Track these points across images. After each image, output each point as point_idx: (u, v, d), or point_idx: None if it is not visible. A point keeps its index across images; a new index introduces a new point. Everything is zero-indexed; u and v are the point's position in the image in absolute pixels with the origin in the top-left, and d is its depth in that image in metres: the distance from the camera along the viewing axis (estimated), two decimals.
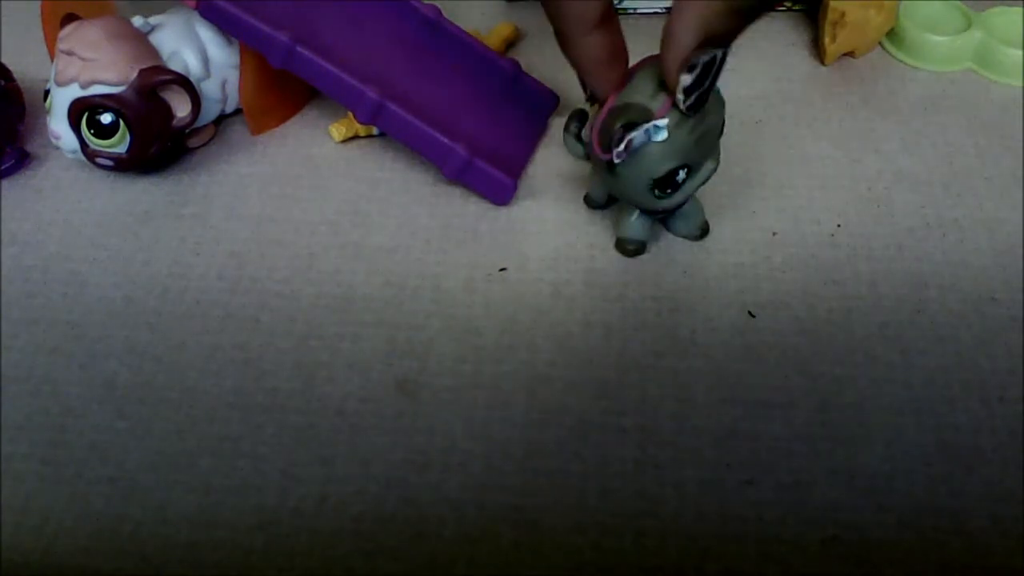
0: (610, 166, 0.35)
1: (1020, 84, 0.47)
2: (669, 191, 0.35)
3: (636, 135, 0.33)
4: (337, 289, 0.39)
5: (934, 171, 0.43)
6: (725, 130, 0.36)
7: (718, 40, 0.31)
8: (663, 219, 0.40)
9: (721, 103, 0.35)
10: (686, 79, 0.31)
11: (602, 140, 0.34)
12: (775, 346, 0.36)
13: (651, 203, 0.36)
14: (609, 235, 0.40)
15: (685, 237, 0.40)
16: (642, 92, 0.33)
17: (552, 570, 0.31)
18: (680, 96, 0.32)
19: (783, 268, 0.39)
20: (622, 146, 0.33)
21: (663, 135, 0.33)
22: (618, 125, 0.33)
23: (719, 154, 0.36)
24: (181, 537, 0.31)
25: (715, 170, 0.36)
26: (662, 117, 0.33)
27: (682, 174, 0.35)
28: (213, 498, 0.32)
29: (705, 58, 0.31)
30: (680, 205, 0.38)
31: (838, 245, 0.40)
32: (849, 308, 0.38)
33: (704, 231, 0.40)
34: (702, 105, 0.33)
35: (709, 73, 0.31)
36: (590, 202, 0.41)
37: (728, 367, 0.36)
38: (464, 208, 0.42)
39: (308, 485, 0.33)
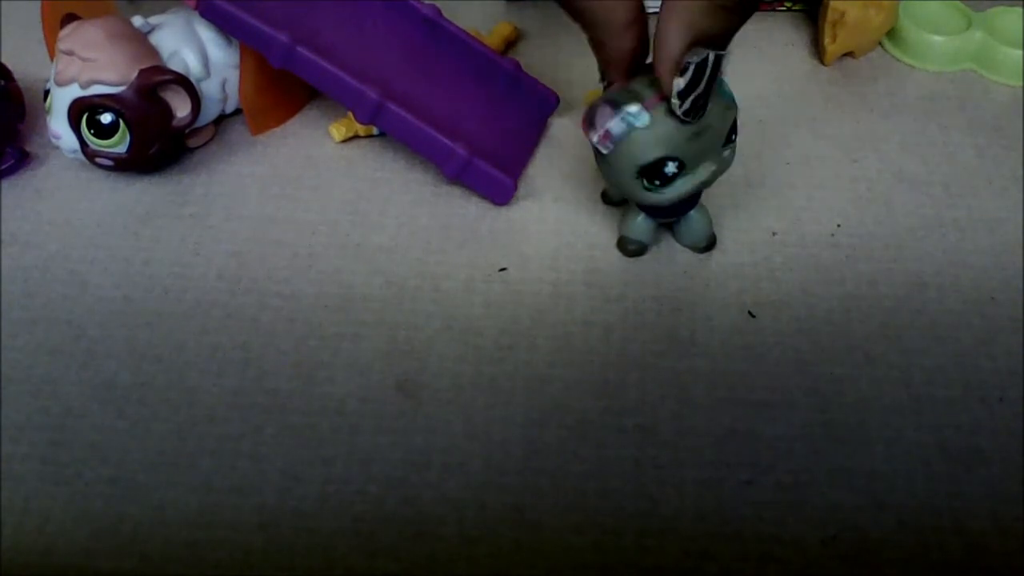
0: (597, 150, 0.34)
1: (1020, 84, 0.47)
2: (658, 183, 0.34)
3: (614, 124, 0.33)
4: (337, 289, 0.39)
5: (934, 171, 0.43)
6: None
7: (709, 41, 0.30)
8: (669, 226, 0.40)
9: (725, 106, 0.34)
10: (679, 82, 0.31)
11: (587, 119, 0.34)
12: (775, 346, 0.36)
13: (641, 195, 0.35)
14: (609, 235, 0.40)
15: (690, 248, 0.40)
16: (642, 81, 0.33)
17: (552, 570, 0.31)
18: (675, 101, 0.31)
19: (783, 268, 0.39)
20: (601, 131, 0.33)
21: (644, 119, 0.32)
22: (600, 101, 0.33)
23: (727, 157, 0.35)
24: (181, 537, 0.31)
25: (718, 172, 0.35)
26: (652, 107, 0.32)
27: (671, 167, 0.34)
28: (213, 498, 0.32)
29: (696, 59, 0.30)
30: (679, 208, 0.37)
31: (838, 245, 0.40)
32: (849, 308, 0.38)
33: (710, 244, 0.39)
34: (700, 110, 0.32)
35: (703, 75, 0.30)
36: (607, 199, 0.41)
37: (728, 367, 0.36)
38: (464, 208, 0.42)
39: (308, 485, 0.33)
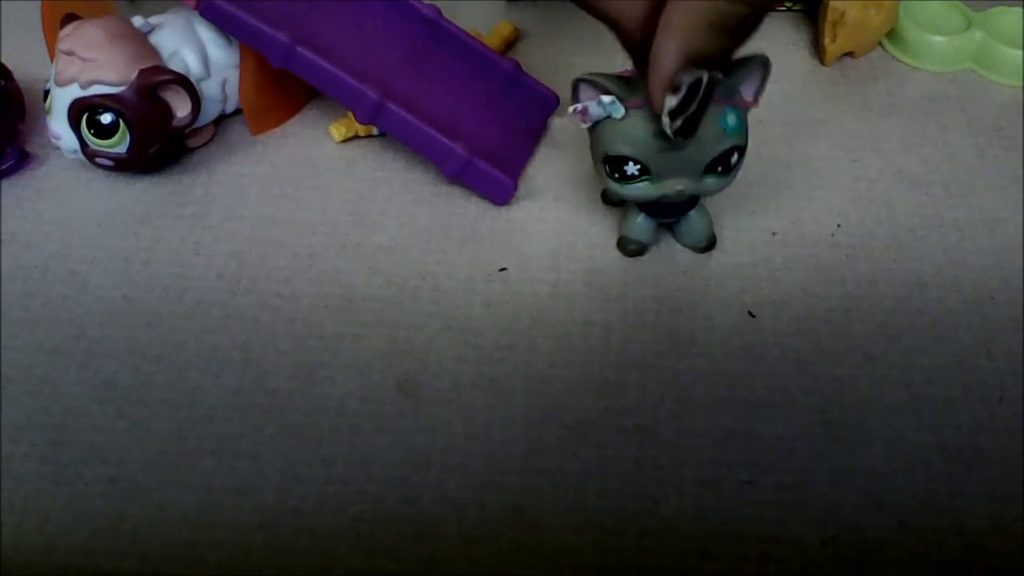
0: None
1: (1020, 84, 0.47)
2: (617, 177, 0.35)
3: (592, 105, 0.33)
4: (337, 289, 0.39)
5: (934, 171, 0.43)
6: None
7: (703, 61, 0.30)
8: (669, 226, 0.40)
9: (720, 132, 0.33)
10: (671, 101, 0.30)
11: (574, 89, 0.34)
12: (775, 346, 0.36)
13: (606, 180, 0.35)
14: (609, 235, 0.40)
15: (690, 248, 0.40)
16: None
17: (552, 570, 0.31)
18: (666, 119, 0.31)
19: (783, 268, 0.39)
20: (580, 106, 0.33)
21: (619, 112, 0.33)
22: (590, 77, 0.33)
23: (709, 185, 0.35)
24: (181, 537, 0.31)
25: (693, 193, 0.35)
26: (636, 107, 0.32)
27: (632, 168, 0.34)
28: (213, 498, 0.32)
29: (689, 80, 0.30)
30: (679, 208, 0.37)
31: (838, 245, 0.40)
32: (849, 308, 0.38)
33: (710, 244, 0.39)
34: (692, 130, 0.31)
35: (695, 96, 0.30)
36: (607, 199, 0.42)
37: (728, 367, 0.36)
38: (464, 208, 0.42)
39: (308, 485, 0.33)
